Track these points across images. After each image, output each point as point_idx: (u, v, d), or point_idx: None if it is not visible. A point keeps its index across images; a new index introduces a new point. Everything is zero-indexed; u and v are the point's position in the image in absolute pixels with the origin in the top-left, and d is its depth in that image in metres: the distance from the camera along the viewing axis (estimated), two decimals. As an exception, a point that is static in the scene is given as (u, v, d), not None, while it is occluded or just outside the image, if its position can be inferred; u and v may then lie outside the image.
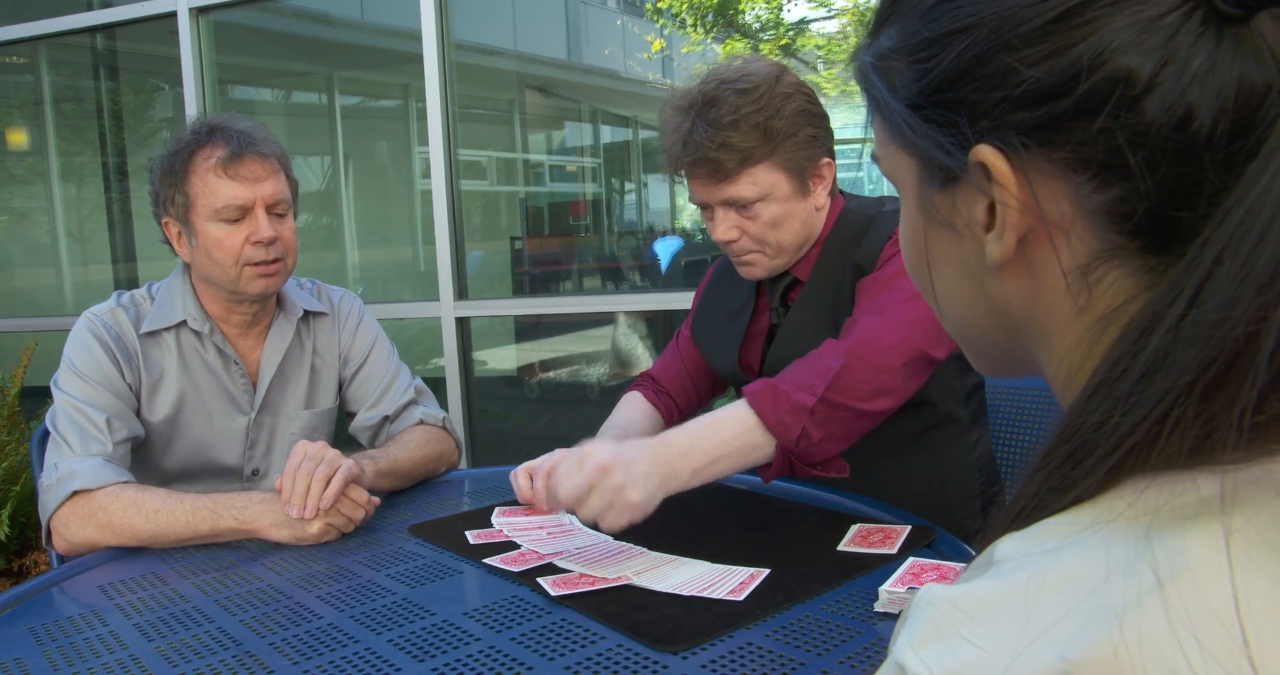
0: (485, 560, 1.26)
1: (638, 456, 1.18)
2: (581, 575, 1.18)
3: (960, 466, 1.59)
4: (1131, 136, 0.41)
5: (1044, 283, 0.48)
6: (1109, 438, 0.39)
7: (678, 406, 1.75)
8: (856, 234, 1.52)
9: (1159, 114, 0.40)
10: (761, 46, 4.66)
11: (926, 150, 0.49)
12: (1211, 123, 0.40)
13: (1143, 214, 0.43)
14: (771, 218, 1.46)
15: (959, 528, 1.36)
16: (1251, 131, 0.39)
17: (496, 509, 1.48)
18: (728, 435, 1.25)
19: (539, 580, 1.16)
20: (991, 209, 0.47)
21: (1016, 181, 0.45)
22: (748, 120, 1.39)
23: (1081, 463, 0.40)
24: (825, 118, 1.49)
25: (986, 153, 0.45)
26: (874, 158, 0.57)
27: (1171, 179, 0.41)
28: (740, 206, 1.45)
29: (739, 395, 1.58)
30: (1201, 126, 0.40)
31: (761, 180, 1.43)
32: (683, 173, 1.48)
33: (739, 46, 4.68)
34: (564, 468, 1.18)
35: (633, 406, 1.69)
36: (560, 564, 1.22)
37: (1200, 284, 0.38)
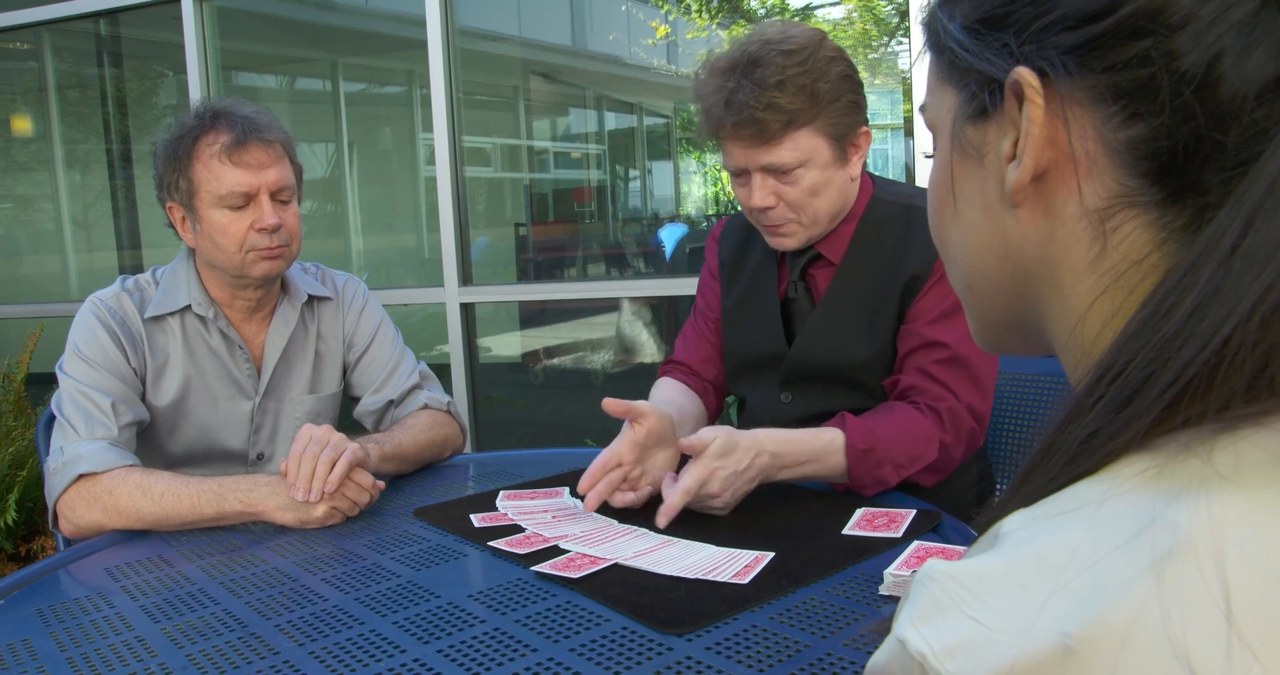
0: (490, 543, 1.26)
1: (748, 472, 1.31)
2: (577, 555, 1.18)
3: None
4: (1163, 66, 0.42)
5: (1060, 224, 0.48)
6: (1165, 373, 0.39)
7: (711, 383, 1.74)
8: (893, 225, 1.51)
9: (1191, 50, 0.42)
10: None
11: (976, 68, 0.50)
12: (1240, 76, 0.41)
13: (1163, 154, 0.43)
14: (811, 184, 1.43)
15: (957, 510, 1.37)
16: None
17: (501, 492, 1.49)
18: (821, 468, 1.36)
19: (540, 567, 1.16)
20: (1018, 143, 0.49)
21: (1046, 104, 0.46)
22: (794, 81, 1.37)
23: (1132, 402, 0.40)
24: (862, 86, 1.47)
25: (1024, 73, 0.47)
26: (921, 108, 0.58)
27: (1196, 121, 0.42)
28: (780, 172, 1.43)
29: (733, 371, 1.70)
30: (1229, 76, 0.41)
31: (804, 145, 1.41)
32: (722, 139, 1.45)
33: (744, 33, 4.66)
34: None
35: (668, 388, 1.69)
36: (565, 546, 1.22)
37: (1251, 214, 0.38)
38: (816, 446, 1.34)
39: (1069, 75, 0.45)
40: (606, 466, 1.35)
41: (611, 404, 1.37)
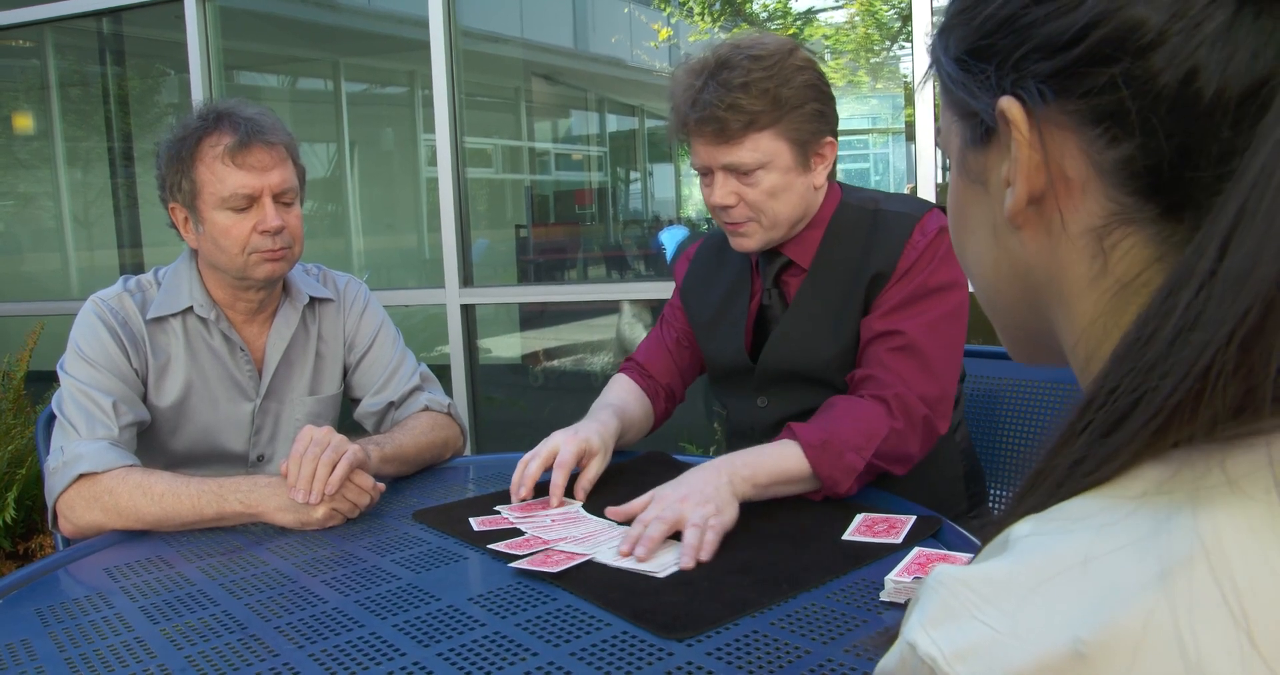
0: (489, 546, 1.26)
1: (713, 486, 1.28)
2: (555, 551, 1.21)
3: (943, 450, 1.61)
4: (1139, 88, 0.42)
5: (1061, 244, 0.49)
6: (1149, 402, 0.39)
7: (664, 389, 1.77)
8: (860, 228, 1.54)
9: (1166, 68, 0.42)
10: (769, 35, 4.63)
11: (965, 103, 0.51)
12: (1218, 88, 0.41)
13: (1150, 172, 0.44)
14: (770, 187, 1.47)
15: (945, 509, 1.39)
16: (1263, 97, 0.40)
17: (499, 505, 1.48)
18: (788, 477, 1.35)
19: (519, 564, 1.18)
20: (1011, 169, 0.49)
21: (1030, 133, 0.47)
22: (758, 85, 1.42)
23: (1117, 430, 0.40)
24: (832, 99, 1.51)
25: (1007, 104, 0.47)
26: (938, 130, 0.60)
27: (1179, 138, 0.42)
28: (740, 172, 1.47)
29: (714, 381, 1.74)
30: (1206, 89, 0.41)
31: (764, 147, 1.45)
32: (688, 136, 1.50)
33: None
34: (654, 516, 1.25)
35: (623, 387, 1.74)
36: (562, 548, 1.22)
37: (1226, 237, 0.38)
38: (772, 449, 1.36)
39: (1046, 103, 0.46)
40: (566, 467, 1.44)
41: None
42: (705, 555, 1.18)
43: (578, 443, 1.46)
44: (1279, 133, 0.37)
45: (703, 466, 1.32)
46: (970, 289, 1.50)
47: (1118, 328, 0.46)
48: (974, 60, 0.49)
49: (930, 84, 0.57)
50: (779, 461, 1.34)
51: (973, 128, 0.52)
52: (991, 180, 0.52)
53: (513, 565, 1.17)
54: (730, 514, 1.25)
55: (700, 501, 1.24)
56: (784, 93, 1.43)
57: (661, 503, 1.26)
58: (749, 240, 1.54)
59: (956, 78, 0.51)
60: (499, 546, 1.25)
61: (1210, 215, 0.39)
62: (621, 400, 1.69)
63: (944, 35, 0.53)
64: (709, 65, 1.46)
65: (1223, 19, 0.40)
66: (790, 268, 1.59)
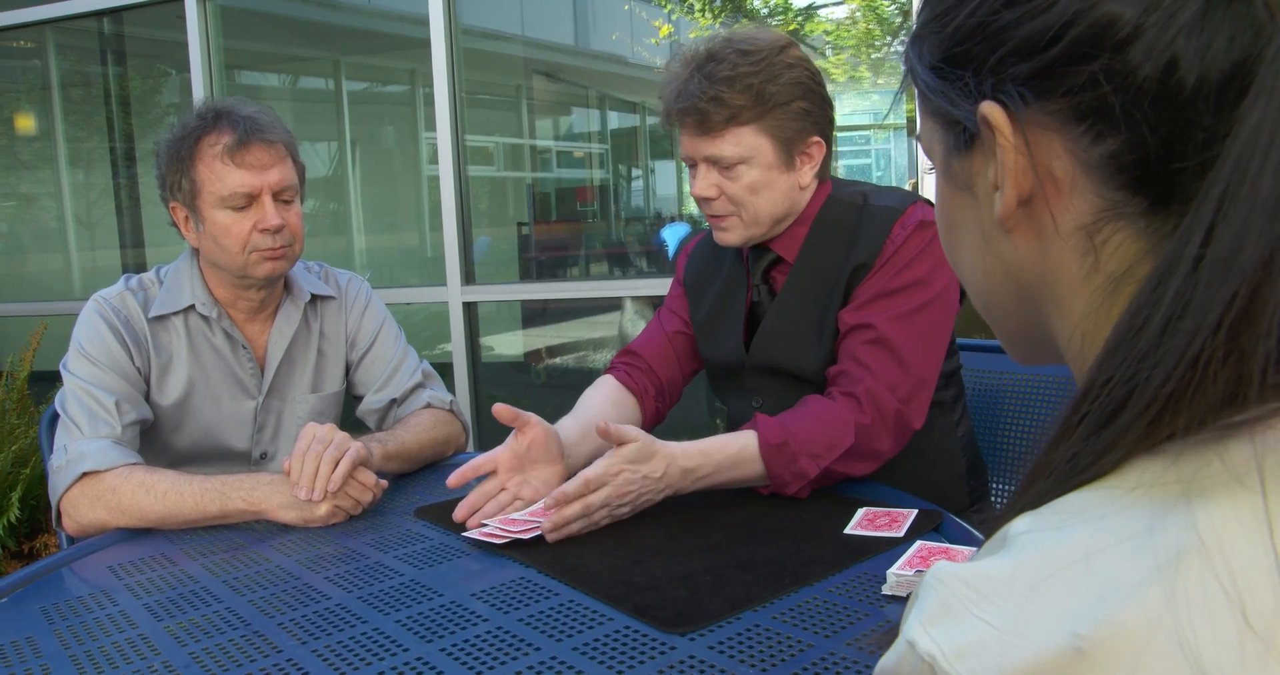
0: (464, 534, 1.29)
1: (653, 491, 1.31)
2: (500, 532, 1.26)
3: (946, 446, 1.61)
4: (1120, 83, 0.42)
5: (1052, 243, 0.49)
6: (1142, 392, 0.39)
7: (658, 383, 1.73)
8: (846, 223, 1.53)
9: (1145, 61, 0.42)
10: (770, 31, 4.64)
11: (945, 111, 0.51)
12: (1199, 76, 0.41)
13: (1137, 166, 0.44)
14: (751, 182, 1.47)
15: (948, 505, 1.38)
16: (1242, 81, 0.40)
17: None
18: (737, 479, 1.36)
19: (470, 533, 1.27)
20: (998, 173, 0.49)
21: (1014, 136, 0.47)
22: (743, 80, 1.42)
23: (1112, 422, 0.40)
24: (824, 98, 1.50)
25: (988, 107, 0.47)
26: (917, 138, 0.60)
27: (1163, 129, 0.42)
28: (722, 166, 1.47)
29: (713, 381, 1.72)
30: (1187, 77, 0.41)
31: (746, 142, 1.45)
32: (673, 124, 1.50)
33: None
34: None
35: (604, 394, 1.68)
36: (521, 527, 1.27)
37: (1211, 222, 0.38)
38: (730, 453, 1.34)
39: (1028, 104, 0.46)
40: (479, 468, 1.39)
41: (501, 409, 1.39)
42: (559, 534, 1.25)
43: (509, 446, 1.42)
44: (1257, 117, 0.37)
45: (674, 461, 1.30)
46: (958, 285, 1.48)
47: (1109, 320, 0.46)
48: (950, 67, 0.49)
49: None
50: (733, 468, 1.34)
51: (955, 134, 0.52)
52: (978, 185, 0.52)
53: (464, 534, 1.29)
54: (639, 510, 1.31)
55: (630, 502, 1.28)
56: (769, 89, 1.43)
57: (610, 491, 1.27)
58: (729, 234, 1.53)
59: (934, 86, 0.51)
60: (474, 533, 1.28)
61: (1194, 202, 0.39)
62: (587, 418, 1.58)
63: (917, 44, 0.53)
64: (698, 57, 1.46)
65: (1197, 7, 0.40)
66: (779, 264, 1.58)
